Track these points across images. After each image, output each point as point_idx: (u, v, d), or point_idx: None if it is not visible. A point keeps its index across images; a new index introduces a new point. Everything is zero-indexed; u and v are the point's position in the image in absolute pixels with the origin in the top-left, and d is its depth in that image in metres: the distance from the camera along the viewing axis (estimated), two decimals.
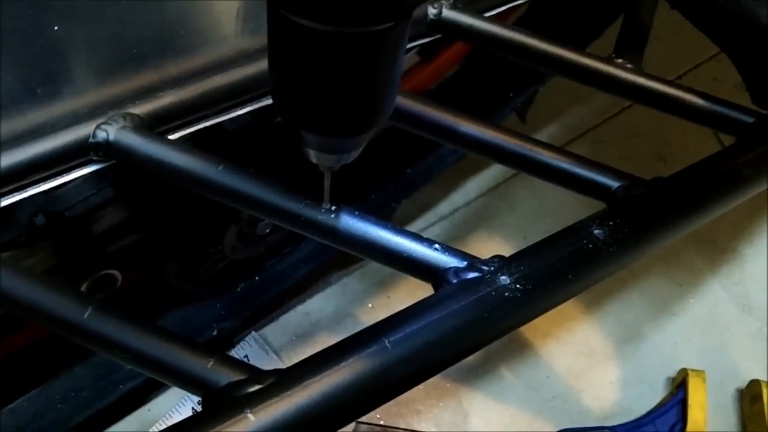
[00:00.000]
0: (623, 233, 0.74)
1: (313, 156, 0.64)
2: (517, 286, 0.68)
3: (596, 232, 0.74)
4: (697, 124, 0.93)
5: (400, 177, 1.41)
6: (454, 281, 0.69)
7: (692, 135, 1.73)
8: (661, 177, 0.82)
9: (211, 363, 0.61)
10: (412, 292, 1.50)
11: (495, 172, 1.66)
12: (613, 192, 0.81)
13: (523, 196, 1.65)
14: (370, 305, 1.50)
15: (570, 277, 0.71)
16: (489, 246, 1.58)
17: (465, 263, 0.70)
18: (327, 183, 0.70)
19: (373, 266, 1.53)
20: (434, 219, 1.61)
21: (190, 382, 0.61)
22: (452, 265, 0.70)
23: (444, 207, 1.63)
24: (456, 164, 1.50)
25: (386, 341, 0.63)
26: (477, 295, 0.67)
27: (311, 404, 0.58)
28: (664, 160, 1.72)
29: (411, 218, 1.60)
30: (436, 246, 0.71)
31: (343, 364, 0.61)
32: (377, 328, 0.65)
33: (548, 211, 1.62)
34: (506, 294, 0.67)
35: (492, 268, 0.70)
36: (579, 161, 0.84)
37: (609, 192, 0.81)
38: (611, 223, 0.75)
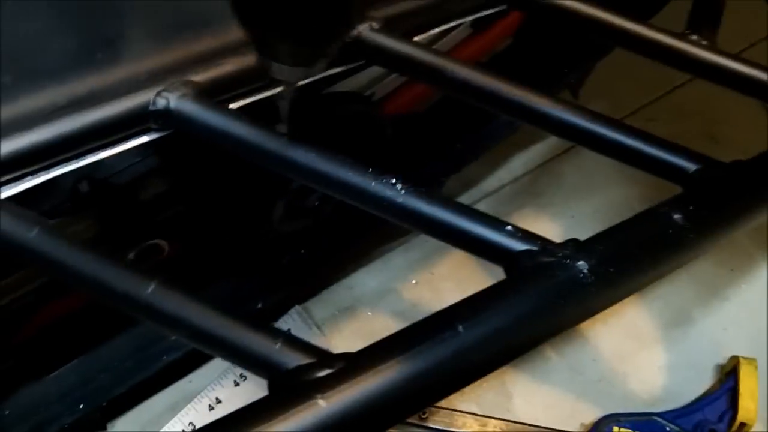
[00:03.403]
0: (704, 218, 0.71)
1: (280, 71, 0.61)
2: (595, 271, 0.65)
3: (675, 216, 0.70)
4: None
5: (451, 151, 1.38)
6: (528, 265, 0.66)
7: (745, 115, 1.68)
8: (741, 160, 0.79)
9: (278, 345, 0.58)
10: (456, 269, 1.48)
11: (542, 148, 1.62)
12: (689, 175, 0.77)
13: (570, 174, 1.61)
14: (413, 281, 1.48)
15: (650, 263, 0.68)
16: (536, 224, 1.53)
17: (538, 246, 0.67)
18: (285, 107, 0.66)
19: (416, 242, 1.50)
20: (479, 195, 1.58)
21: (256, 364, 0.59)
22: (525, 247, 0.67)
23: (489, 183, 1.60)
24: (502, 140, 1.47)
25: (459, 327, 0.60)
26: (553, 280, 0.64)
27: (384, 390, 0.56)
28: (717, 141, 1.67)
29: (456, 194, 1.56)
30: (508, 227, 0.68)
31: (415, 349, 0.58)
32: (449, 313, 0.62)
33: (596, 190, 1.57)
34: (583, 280, 0.64)
35: (567, 252, 0.66)
36: (651, 140, 0.80)
37: (685, 174, 0.78)
38: (691, 207, 0.71)
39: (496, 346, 0.61)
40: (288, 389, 0.56)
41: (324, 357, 0.58)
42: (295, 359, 0.58)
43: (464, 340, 0.60)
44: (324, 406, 0.54)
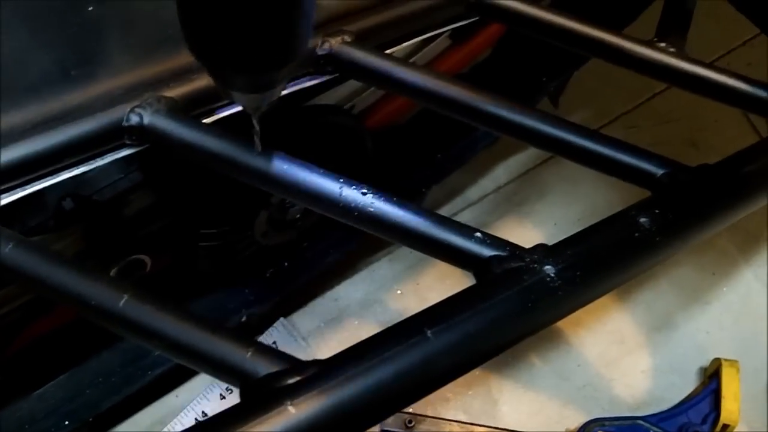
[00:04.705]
0: (671, 221, 0.72)
1: (239, 98, 0.61)
2: (562, 275, 0.66)
3: (642, 220, 0.72)
4: (747, 111, 0.90)
5: (431, 162, 1.39)
6: (497, 271, 0.67)
7: (725, 121, 1.70)
8: (707, 164, 0.80)
9: (249, 353, 0.59)
10: (441, 278, 1.49)
11: (525, 157, 1.64)
12: (657, 179, 0.78)
13: (553, 183, 1.62)
14: (398, 291, 1.49)
15: (616, 266, 0.69)
16: (519, 232, 1.55)
17: (507, 252, 0.68)
18: (256, 127, 0.67)
19: (401, 252, 1.51)
20: (463, 205, 1.59)
21: (228, 373, 0.60)
22: (494, 253, 0.68)
23: (473, 192, 1.61)
24: (486, 149, 1.48)
25: (428, 332, 0.61)
26: (521, 285, 0.65)
27: (353, 396, 0.57)
28: (697, 147, 1.69)
29: (439, 204, 1.57)
30: (477, 234, 0.69)
31: (384, 355, 0.59)
32: (418, 319, 0.63)
33: (579, 198, 1.59)
34: (551, 284, 0.66)
35: (535, 257, 0.68)
36: (621, 146, 0.81)
37: (653, 179, 0.79)
38: (657, 211, 0.73)
39: (464, 350, 0.62)
40: (259, 396, 0.57)
41: (295, 364, 0.59)
42: (266, 367, 0.59)
43: (433, 346, 0.61)
44: (294, 412, 0.55)
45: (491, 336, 0.64)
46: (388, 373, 0.58)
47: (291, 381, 0.57)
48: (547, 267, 0.67)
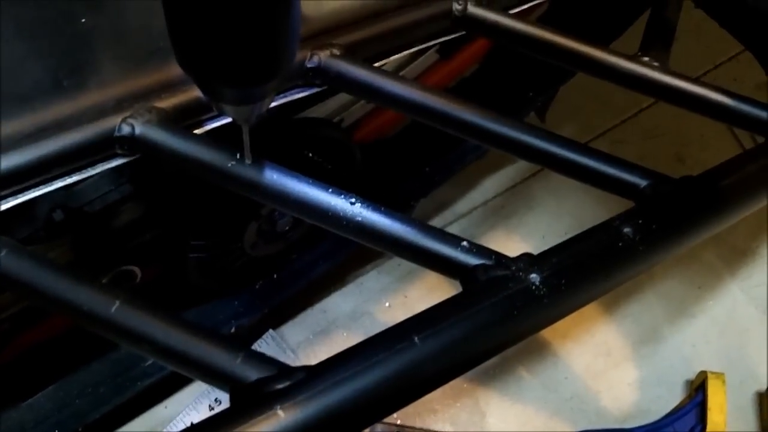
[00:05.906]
0: (653, 231, 0.73)
1: (228, 110, 0.63)
2: (547, 284, 0.68)
3: (626, 230, 0.73)
4: (728, 124, 0.92)
5: (420, 175, 1.41)
6: (483, 279, 0.68)
7: (711, 136, 1.72)
8: (690, 176, 0.82)
9: (239, 358, 0.60)
10: (430, 291, 1.50)
11: (513, 170, 1.65)
12: (641, 190, 0.80)
13: (541, 196, 1.64)
14: (387, 304, 1.50)
15: (600, 275, 0.70)
16: (507, 245, 1.57)
17: (493, 260, 0.70)
18: (246, 138, 0.69)
19: (390, 265, 1.52)
20: (452, 218, 1.61)
21: (218, 377, 0.61)
22: (480, 262, 0.70)
23: (462, 205, 1.62)
24: (474, 162, 1.50)
25: (415, 338, 0.62)
26: (506, 293, 0.66)
27: (341, 401, 0.58)
28: (683, 162, 1.71)
29: (428, 216, 1.59)
30: (464, 243, 0.71)
31: (372, 360, 0.60)
32: (406, 325, 0.64)
33: (567, 211, 1.60)
34: (535, 292, 0.67)
35: (521, 266, 0.69)
36: (606, 159, 0.83)
37: (637, 190, 0.80)
38: (640, 221, 0.74)
39: (451, 356, 0.63)
40: (248, 401, 0.58)
41: (284, 369, 0.60)
42: (256, 372, 0.60)
43: (420, 352, 0.62)
44: (282, 416, 0.56)
45: (477, 342, 0.65)
46: (375, 378, 0.59)
47: (280, 386, 0.58)
48: (533, 275, 0.68)
